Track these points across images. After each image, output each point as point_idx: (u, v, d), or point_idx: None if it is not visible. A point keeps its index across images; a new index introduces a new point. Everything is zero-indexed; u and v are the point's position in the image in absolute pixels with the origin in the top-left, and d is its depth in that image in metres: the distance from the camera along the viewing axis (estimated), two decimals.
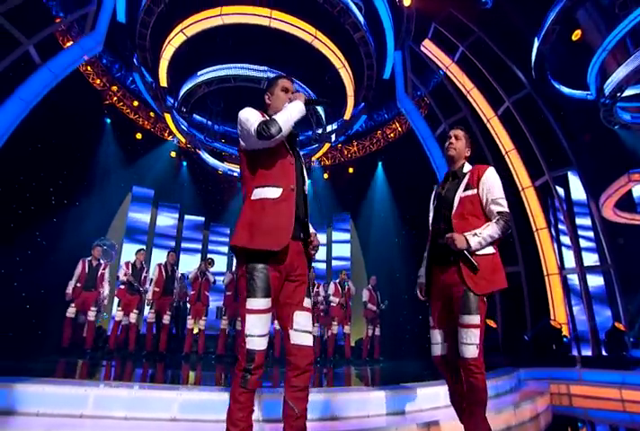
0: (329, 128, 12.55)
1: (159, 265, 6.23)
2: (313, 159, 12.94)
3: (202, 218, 12.14)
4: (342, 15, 9.91)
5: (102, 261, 6.08)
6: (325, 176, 13.75)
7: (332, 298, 6.59)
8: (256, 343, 1.58)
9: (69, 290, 5.75)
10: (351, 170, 13.73)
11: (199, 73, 9.53)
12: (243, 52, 9.53)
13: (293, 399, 1.64)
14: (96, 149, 9.65)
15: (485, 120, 9.34)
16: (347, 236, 12.69)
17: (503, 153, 8.97)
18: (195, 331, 6.58)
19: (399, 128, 13.25)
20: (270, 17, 9.09)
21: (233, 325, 6.42)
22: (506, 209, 1.99)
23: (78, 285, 5.79)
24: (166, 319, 6.15)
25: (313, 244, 1.86)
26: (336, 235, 12.72)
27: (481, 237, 1.93)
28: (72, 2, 8.87)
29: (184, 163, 12.46)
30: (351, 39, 10.32)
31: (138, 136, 11.06)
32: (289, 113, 1.73)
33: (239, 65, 9.47)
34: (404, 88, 10.77)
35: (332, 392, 2.86)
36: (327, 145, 12.16)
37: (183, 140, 11.17)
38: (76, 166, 8.87)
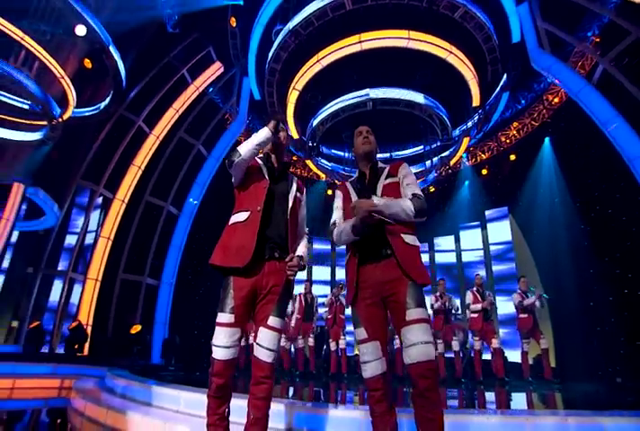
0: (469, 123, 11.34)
1: (299, 294, 6.88)
2: (451, 163, 11.80)
3: None
4: None
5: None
6: (484, 172, 12.18)
7: (472, 307, 5.64)
8: (218, 353, 1.77)
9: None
10: (512, 156, 11.73)
11: (313, 119, 10.64)
12: (342, 84, 10.11)
13: (251, 405, 1.76)
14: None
15: None
16: (508, 236, 10.40)
17: None
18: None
19: (562, 89, 10.63)
20: (360, 41, 9.48)
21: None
22: (421, 193, 1.83)
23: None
24: (310, 342, 6.62)
25: (288, 265, 1.86)
26: (493, 236, 10.68)
27: (390, 202, 1.73)
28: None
29: None
30: (452, 19, 9.43)
31: None
32: (251, 139, 1.95)
33: (339, 99, 10.07)
34: (536, 44, 8.86)
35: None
36: (466, 142, 10.94)
37: (323, 177, 12.35)
38: None
